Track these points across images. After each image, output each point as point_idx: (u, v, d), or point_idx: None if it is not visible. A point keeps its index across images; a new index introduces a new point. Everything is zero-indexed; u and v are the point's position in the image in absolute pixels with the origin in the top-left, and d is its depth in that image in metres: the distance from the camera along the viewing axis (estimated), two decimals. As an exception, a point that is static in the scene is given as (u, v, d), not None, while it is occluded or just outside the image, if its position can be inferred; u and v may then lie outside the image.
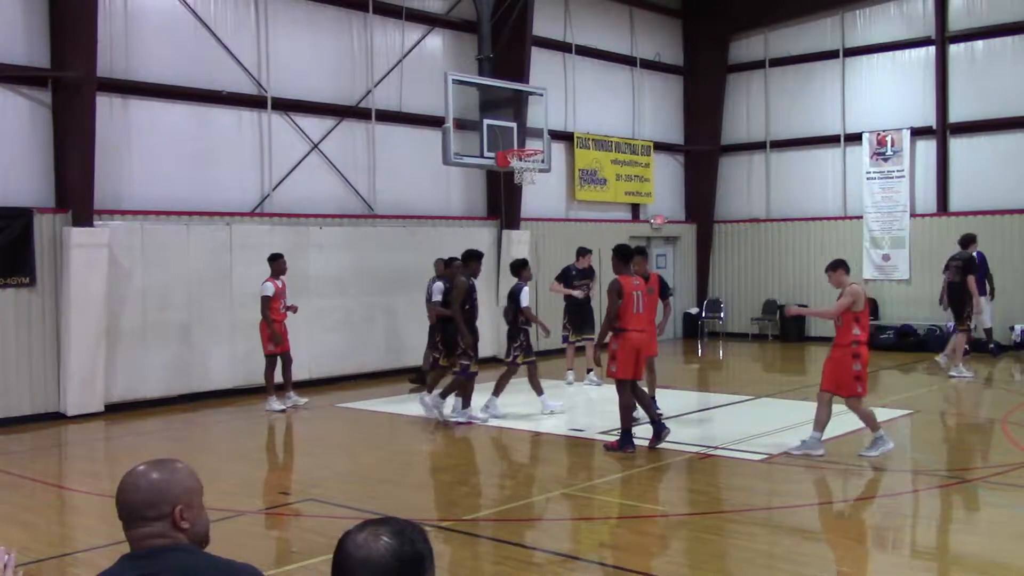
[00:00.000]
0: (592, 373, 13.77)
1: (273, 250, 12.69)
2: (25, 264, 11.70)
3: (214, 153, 13.75)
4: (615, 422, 9.81)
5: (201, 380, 13.24)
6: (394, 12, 15.85)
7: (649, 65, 20.83)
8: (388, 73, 15.83)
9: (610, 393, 10.96)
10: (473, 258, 11.33)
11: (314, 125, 14.94)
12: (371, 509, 7.25)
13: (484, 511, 7.55)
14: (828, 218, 20.01)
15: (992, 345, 16.35)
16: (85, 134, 11.82)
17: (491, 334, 15.60)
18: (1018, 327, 17.23)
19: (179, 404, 12.88)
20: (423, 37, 16.40)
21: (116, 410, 12.30)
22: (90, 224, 11.99)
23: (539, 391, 11.64)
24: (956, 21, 18.42)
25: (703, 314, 21.40)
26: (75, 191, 11.92)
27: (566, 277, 14.01)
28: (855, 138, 19.58)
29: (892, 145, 19.01)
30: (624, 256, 9.76)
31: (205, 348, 13.27)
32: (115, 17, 12.67)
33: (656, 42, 21.03)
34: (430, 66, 16.15)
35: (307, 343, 13.92)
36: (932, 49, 18.59)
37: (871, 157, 19.27)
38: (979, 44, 18.20)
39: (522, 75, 16.38)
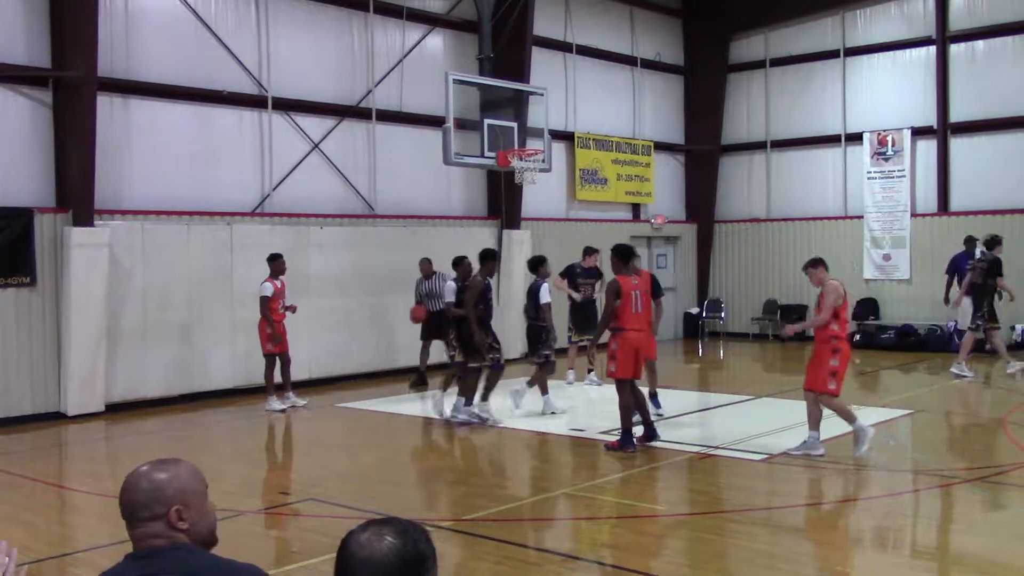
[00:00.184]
0: (593, 373, 13.78)
1: (273, 250, 12.70)
2: (25, 264, 11.71)
3: (215, 153, 13.75)
4: (615, 422, 9.81)
5: (201, 380, 13.24)
6: (395, 12, 15.85)
7: (649, 65, 20.83)
8: (389, 73, 15.83)
9: (610, 393, 10.95)
10: (489, 258, 11.31)
11: (315, 125, 14.94)
12: (371, 509, 7.25)
13: (484, 511, 7.54)
14: (829, 218, 20.01)
15: (991, 345, 16.32)
16: (85, 134, 11.83)
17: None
18: (1019, 327, 17.22)
19: (179, 404, 12.88)
20: (424, 37, 16.40)
21: (116, 410, 12.30)
22: (90, 224, 12.00)
23: (544, 391, 11.67)
24: (957, 21, 18.42)
25: (703, 314, 21.40)
26: (75, 191, 11.93)
27: (570, 275, 13.98)
28: (856, 138, 19.58)
29: (893, 145, 19.01)
30: (623, 256, 9.78)
31: (205, 348, 13.28)
32: (115, 17, 12.68)
33: (656, 42, 21.03)
34: (431, 66, 16.15)
35: (307, 343, 13.92)
36: (933, 49, 18.59)
37: (872, 157, 19.27)
38: (980, 44, 18.20)
39: (522, 75, 16.38)
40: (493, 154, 13.78)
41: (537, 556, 6.43)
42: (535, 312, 11.69)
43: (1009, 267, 16.51)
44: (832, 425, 9.11)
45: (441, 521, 7.15)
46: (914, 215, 18.83)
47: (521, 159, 13.94)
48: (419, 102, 15.98)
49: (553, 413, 11.50)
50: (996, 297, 14.24)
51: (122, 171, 12.78)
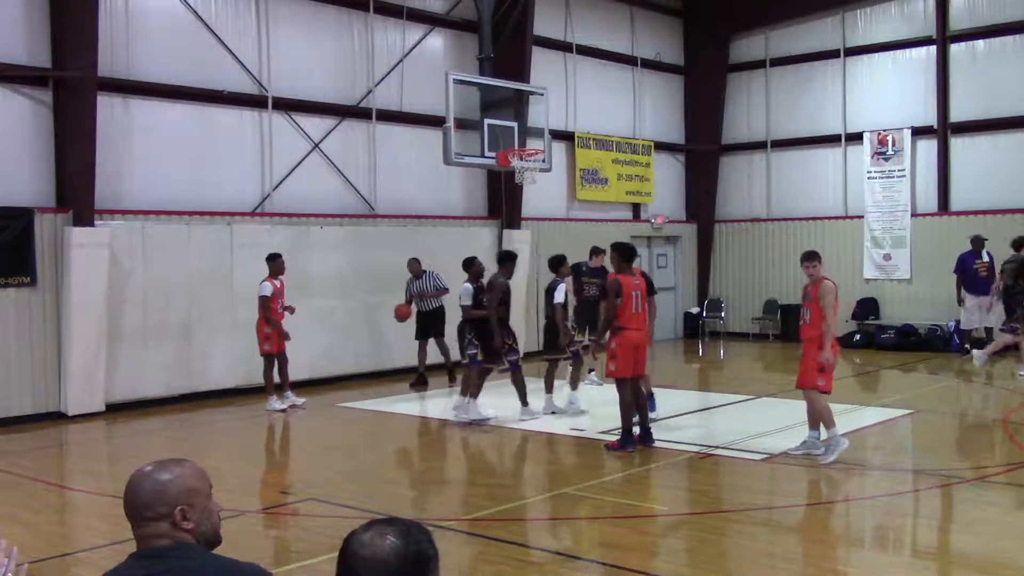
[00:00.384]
0: (593, 373, 13.77)
1: (273, 250, 12.70)
2: (26, 264, 11.71)
3: (215, 153, 13.75)
4: (616, 422, 9.82)
5: (202, 380, 13.25)
6: (395, 12, 15.85)
7: (650, 65, 20.83)
8: (389, 73, 15.83)
9: (611, 393, 10.97)
10: (509, 259, 11.39)
11: (315, 125, 14.94)
12: (371, 509, 7.26)
13: (484, 511, 7.55)
14: (829, 218, 20.01)
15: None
16: (86, 134, 11.83)
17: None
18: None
19: (180, 404, 12.89)
20: (424, 37, 16.40)
21: (117, 410, 12.31)
22: (91, 224, 12.00)
23: (548, 389, 11.70)
24: (957, 21, 18.41)
25: (704, 314, 21.40)
26: (76, 191, 11.93)
27: (576, 274, 13.94)
28: (856, 138, 19.57)
29: (893, 145, 19.01)
30: (626, 255, 9.77)
31: (206, 348, 13.28)
32: (116, 17, 12.68)
33: (657, 42, 21.03)
34: (431, 66, 16.15)
35: (307, 343, 13.92)
36: (933, 49, 18.59)
37: (872, 157, 19.27)
38: (980, 44, 18.20)
39: (523, 75, 16.38)
40: (493, 154, 13.79)
41: (537, 556, 6.44)
42: (549, 310, 11.72)
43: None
44: (840, 424, 9.05)
45: (441, 521, 7.15)
46: (914, 215, 18.83)
47: (521, 159, 13.94)
48: (419, 102, 15.98)
49: (553, 412, 11.52)
50: None
51: (122, 171, 12.78)
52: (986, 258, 16.18)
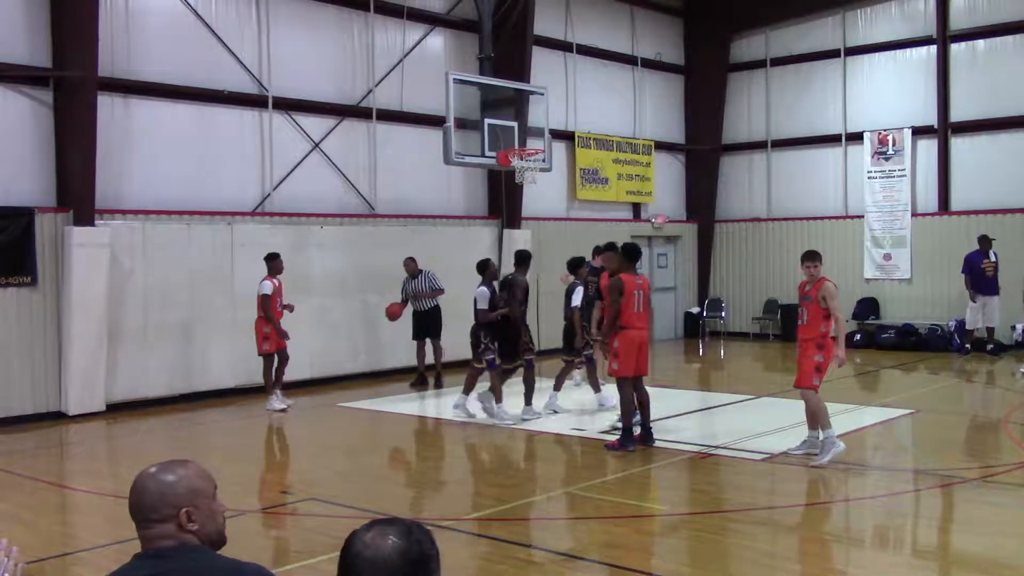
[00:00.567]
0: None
1: (274, 250, 12.70)
2: (26, 263, 11.71)
3: (215, 152, 13.75)
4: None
5: (202, 379, 13.24)
6: (395, 12, 15.85)
7: (650, 64, 20.83)
8: (389, 72, 15.83)
9: (612, 393, 10.98)
10: (527, 259, 11.59)
11: (315, 124, 14.94)
12: (371, 509, 7.26)
13: (484, 511, 7.55)
14: (829, 217, 20.00)
15: (991, 345, 16.35)
16: (86, 134, 11.83)
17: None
18: (1019, 326, 17.21)
19: (180, 403, 12.89)
20: (424, 36, 16.40)
21: (117, 409, 12.31)
22: (91, 224, 12.00)
23: (557, 387, 11.80)
24: (957, 20, 18.41)
25: (704, 313, 21.40)
26: (76, 190, 11.93)
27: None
28: (856, 137, 19.57)
29: (893, 144, 19.00)
30: (632, 256, 9.83)
31: (206, 347, 13.28)
32: (116, 16, 12.68)
33: (657, 41, 21.03)
34: (431, 65, 16.15)
35: (308, 343, 13.92)
36: (933, 48, 18.58)
37: (872, 156, 19.26)
38: (980, 43, 18.19)
39: (523, 74, 16.38)
40: (494, 154, 13.78)
41: (538, 556, 6.44)
42: (568, 312, 11.73)
43: (1010, 267, 16.57)
44: (840, 424, 9.06)
45: (441, 520, 7.15)
46: (915, 215, 18.82)
47: (522, 159, 13.93)
48: (419, 102, 15.98)
49: (556, 412, 11.53)
50: None
51: (123, 171, 12.79)
52: (993, 258, 16.20)
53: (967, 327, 16.60)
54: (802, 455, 8.94)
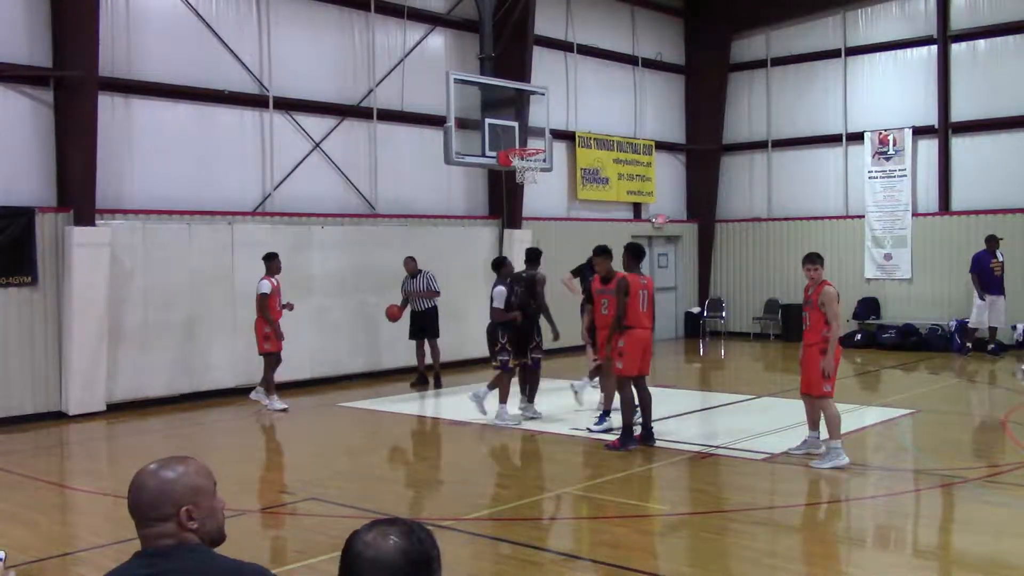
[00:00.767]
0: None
1: (274, 249, 12.70)
2: (27, 263, 11.71)
3: (216, 152, 13.76)
4: (616, 421, 9.81)
5: (203, 379, 13.25)
6: (396, 11, 15.85)
7: (651, 64, 20.83)
8: (390, 72, 15.83)
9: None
10: (538, 256, 11.68)
11: (316, 124, 14.94)
12: (371, 508, 7.26)
13: (484, 510, 7.55)
14: (830, 217, 20.00)
15: (992, 345, 16.35)
16: (87, 133, 11.83)
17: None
18: (1019, 326, 17.22)
19: (181, 403, 12.89)
20: (425, 36, 16.40)
21: (118, 409, 12.31)
22: (92, 223, 12.00)
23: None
24: (958, 20, 18.41)
25: (705, 313, 21.40)
26: (77, 190, 11.93)
27: (582, 273, 13.90)
28: (857, 137, 19.56)
29: (894, 144, 19.00)
30: (636, 255, 9.85)
31: (207, 347, 13.28)
32: (117, 16, 12.68)
33: (658, 41, 21.03)
34: (432, 65, 16.15)
35: (308, 343, 13.93)
36: (934, 48, 18.58)
37: (873, 156, 19.26)
38: (981, 43, 18.19)
39: (524, 74, 16.38)
40: (494, 153, 13.78)
41: (538, 556, 6.43)
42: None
43: (1010, 267, 16.58)
44: (840, 424, 9.05)
45: (441, 520, 7.15)
46: (915, 214, 18.82)
47: (522, 158, 13.94)
48: (420, 102, 15.98)
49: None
50: None
51: (123, 170, 12.79)
52: (1000, 257, 16.20)
53: (971, 325, 16.60)
54: (802, 455, 8.94)
